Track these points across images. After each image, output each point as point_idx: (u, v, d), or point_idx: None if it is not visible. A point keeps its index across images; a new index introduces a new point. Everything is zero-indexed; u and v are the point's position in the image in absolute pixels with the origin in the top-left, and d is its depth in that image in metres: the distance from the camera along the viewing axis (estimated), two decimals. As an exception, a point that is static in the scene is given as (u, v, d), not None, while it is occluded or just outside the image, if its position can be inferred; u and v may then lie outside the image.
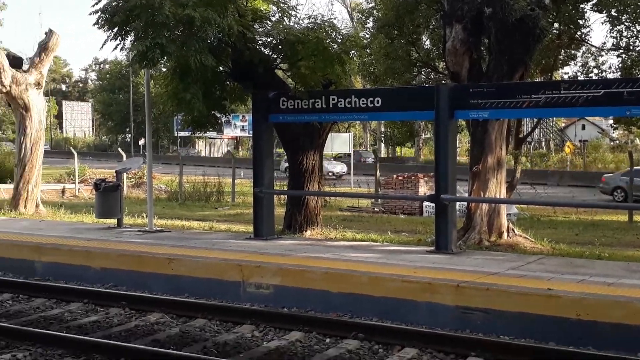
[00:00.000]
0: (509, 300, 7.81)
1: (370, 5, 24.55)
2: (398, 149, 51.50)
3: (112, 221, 14.03)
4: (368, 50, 18.52)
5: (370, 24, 23.14)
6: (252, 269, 9.65)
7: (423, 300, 8.26)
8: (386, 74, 19.43)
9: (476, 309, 7.85)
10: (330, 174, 38.10)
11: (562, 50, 17.10)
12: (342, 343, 7.55)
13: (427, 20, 18.49)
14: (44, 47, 19.23)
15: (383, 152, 49.59)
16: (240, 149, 48.15)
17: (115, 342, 7.66)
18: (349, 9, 44.03)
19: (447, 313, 7.98)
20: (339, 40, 12.53)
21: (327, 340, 7.71)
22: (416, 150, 55.12)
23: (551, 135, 63.22)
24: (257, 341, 7.76)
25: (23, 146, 18.55)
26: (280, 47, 12.53)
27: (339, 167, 42.05)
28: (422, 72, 20.81)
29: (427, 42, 20.60)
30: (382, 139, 31.78)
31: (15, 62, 18.64)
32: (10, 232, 13.37)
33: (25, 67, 18.99)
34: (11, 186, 21.55)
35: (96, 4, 11.65)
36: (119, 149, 39.95)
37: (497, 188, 11.90)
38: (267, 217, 12.08)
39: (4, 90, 18.15)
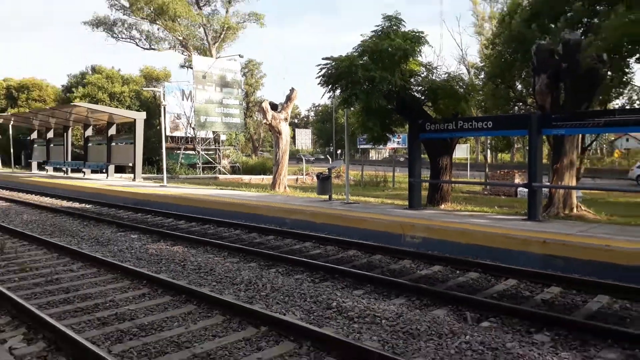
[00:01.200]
0: (579, 251, 7.38)
1: (482, 64, 23.76)
2: (499, 155, 48.66)
3: (325, 197, 14.27)
4: (481, 92, 17.93)
5: (482, 76, 22.38)
6: (408, 226, 9.71)
7: (520, 249, 8.01)
8: (493, 107, 18.82)
9: (556, 256, 7.60)
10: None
11: (614, 89, 15.78)
12: (467, 274, 7.49)
13: (520, 72, 17.57)
14: (288, 98, 20.18)
15: (489, 157, 47.43)
16: (396, 155, 47.83)
17: (334, 265, 7.90)
18: (467, 67, 41.98)
19: (536, 259, 7.77)
20: (464, 87, 12.24)
21: (457, 272, 7.65)
22: (511, 155, 52.45)
23: (604, 144, 57.97)
24: (412, 269, 7.84)
25: (277, 154, 19.57)
26: (426, 92, 12.47)
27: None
28: (517, 106, 19.73)
29: (519, 86, 19.58)
30: (488, 148, 30.34)
31: (273, 106, 19.63)
32: (272, 201, 13.79)
33: (278, 109, 19.99)
34: (270, 177, 22.80)
35: (319, 72, 12.10)
36: (328, 156, 40.99)
37: (569, 179, 11.25)
38: (417, 196, 12.16)
39: (267, 122, 19.25)
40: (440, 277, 7.32)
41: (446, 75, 12.36)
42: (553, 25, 16.00)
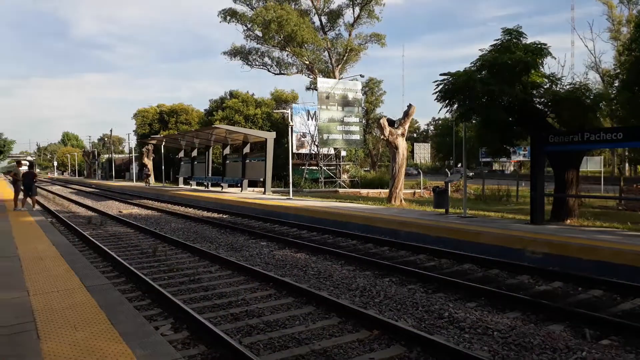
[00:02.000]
0: None
1: (617, 72, 21.68)
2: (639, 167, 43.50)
3: (442, 210, 13.96)
4: (615, 101, 16.36)
5: (616, 84, 20.37)
6: (529, 241, 9.24)
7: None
8: (629, 117, 16.94)
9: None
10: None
11: None
12: (589, 291, 7.02)
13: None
14: (406, 114, 20.21)
15: (627, 170, 42.34)
16: (522, 169, 44.78)
17: (448, 278, 7.84)
18: (601, 75, 38.51)
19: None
20: (591, 97, 11.39)
21: (579, 289, 7.19)
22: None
23: None
24: (530, 285, 7.51)
25: (394, 168, 19.64)
26: (549, 104, 11.83)
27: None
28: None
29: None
30: (626, 160, 27.29)
31: (390, 122, 19.81)
32: (387, 214, 13.77)
33: (396, 125, 20.09)
34: (387, 190, 22.86)
35: (436, 88, 12.06)
36: (446, 169, 39.96)
37: None
38: (539, 210, 11.50)
39: (385, 138, 19.46)
40: (560, 293, 6.92)
41: (571, 85, 11.62)
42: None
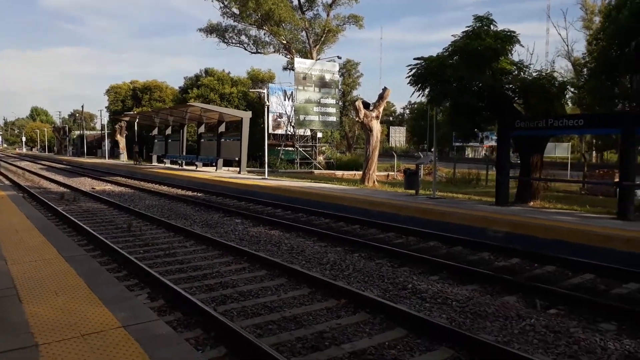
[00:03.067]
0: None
1: (586, 60, 22.39)
2: (605, 154, 44.86)
3: (412, 192, 14.35)
4: (582, 89, 16.84)
5: (585, 72, 20.98)
6: (491, 221, 9.70)
7: (603, 246, 7.78)
8: (594, 105, 17.49)
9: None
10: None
11: None
12: (544, 267, 7.56)
13: (626, 69, 16.26)
14: (380, 97, 20.39)
15: (594, 157, 43.70)
16: (493, 153, 45.77)
17: (414, 253, 8.21)
18: (572, 63, 39.36)
19: (620, 255, 7.49)
20: (556, 85, 11.85)
21: (535, 265, 7.66)
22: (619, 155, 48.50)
23: None
24: (491, 261, 7.94)
25: (367, 150, 19.94)
26: (517, 90, 12.24)
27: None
28: (621, 103, 18.31)
29: (627, 84, 18.05)
30: (594, 147, 28.22)
31: (365, 105, 20.01)
32: (359, 194, 14.06)
33: (370, 107, 20.30)
34: (360, 172, 23.21)
35: (409, 72, 12.34)
36: (420, 153, 40.61)
37: (668, 179, 10.41)
38: (504, 192, 11.98)
39: (359, 120, 19.69)
40: (517, 269, 7.39)
41: (537, 73, 12.06)
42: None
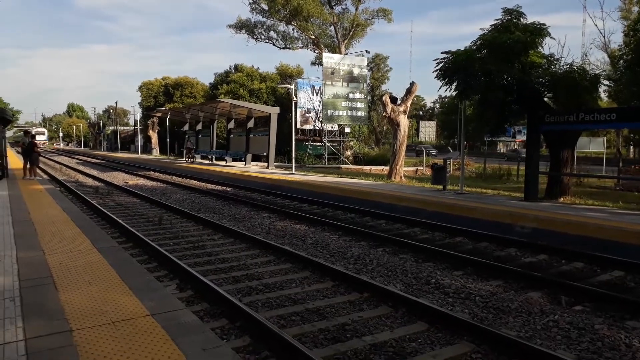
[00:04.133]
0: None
1: (622, 52, 21.67)
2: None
3: (440, 187, 14.18)
4: (617, 82, 16.32)
5: (621, 64, 20.28)
6: (519, 216, 9.59)
7: (634, 243, 7.58)
8: (631, 98, 16.95)
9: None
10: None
11: None
12: (572, 263, 7.40)
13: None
14: (408, 91, 20.35)
15: (632, 152, 42.24)
16: (519, 149, 44.79)
17: (439, 249, 8.20)
18: (609, 55, 38.26)
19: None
20: (587, 78, 11.56)
21: (562, 261, 7.56)
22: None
23: None
24: (517, 257, 7.86)
25: (395, 145, 19.92)
26: (547, 84, 12.00)
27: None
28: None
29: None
30: (631, 142, 27.26)
31: (393, 99, 19.97)
32: (386, 189, 14.06)
33: (398, 102, 20.24)
34: (387, 167, 23.14)
35: (436, 66, 12.27)
36: (449, 148, 40.12)
37: None
38: (533, 188, 11.80)
39: (387, 115, 19.66)
40: (544, 265, 7.30)
41: (568, 66, 11.79)
42: None
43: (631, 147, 42.35)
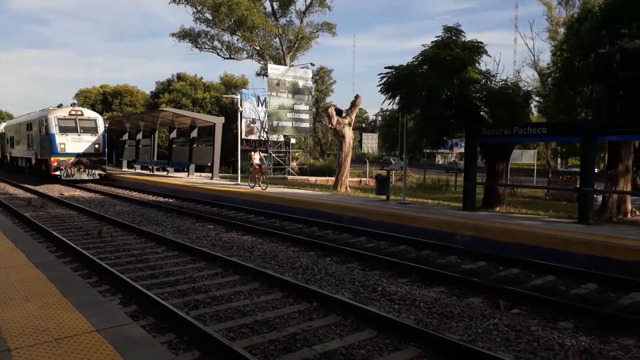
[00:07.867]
0: (623, 252, 7.41)
1: (550, 71, 23.17)
2: (570, 161, 46.16)
3: (383, 197, 14.49)
4: (546, 98, 17.41)
5: (549, 81, 21.67)
6: (459, 225, 9.97)
7: (564, 249, 8.09)
8: (558, 114, 18.07)
9: (599, 256, 7.60)
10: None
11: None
12: (509, 270, 7.76)
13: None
14: (353, 104, 20.74)
15: (559, 164, 44.95)
16: (462, 160, 46.62)
17: (384, 257, 8.35)
18: (539, 73, 40.47)
19: (580, 259, 7.82)
20: (521, 95, 12.30)
21: (500, 267, 7.91)
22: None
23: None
24: (458, 264, 8.17)
25: (340, 156, 20.17)
26: (484, 99, 12.62)
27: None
28: (584, 112, 19.04)
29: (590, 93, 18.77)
30: (559, 154, 29.20)
31: (338, 112, 20.25)
32: (331, 200, 14.21)
33: (343, 114, 20.53)
34: (333, 178, 23.40)
35: (380, 81, 12.62)
36: (390, 159, 41.09)
37: (624, 185, 11.06)
38: (471, 198, 12.34)
39: (332, 126, 19.91)
40: (483, 272, 7.64)
41: (503, 82, 12.49)
42: (626, 31, 15.44)
43: (559, 159, 45.08)
